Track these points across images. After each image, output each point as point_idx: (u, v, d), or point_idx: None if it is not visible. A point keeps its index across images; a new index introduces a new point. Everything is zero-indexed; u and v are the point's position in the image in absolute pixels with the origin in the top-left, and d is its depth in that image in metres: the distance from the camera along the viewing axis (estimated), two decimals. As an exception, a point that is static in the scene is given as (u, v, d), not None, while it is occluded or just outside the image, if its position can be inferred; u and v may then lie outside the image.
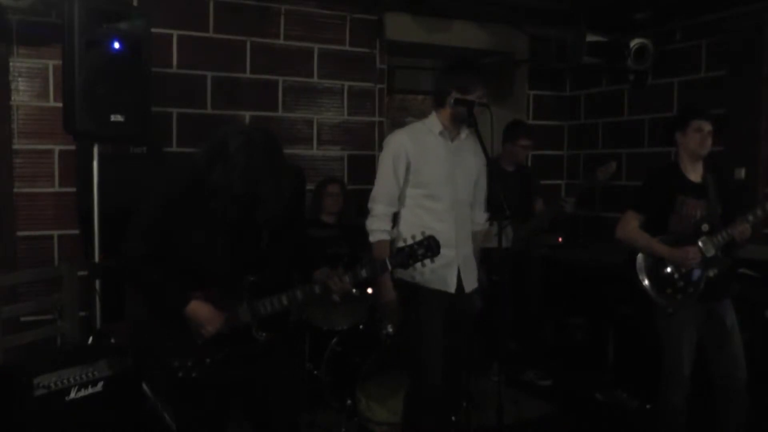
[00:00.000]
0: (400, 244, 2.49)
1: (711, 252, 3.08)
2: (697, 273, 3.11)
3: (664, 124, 4.95)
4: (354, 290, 3.88)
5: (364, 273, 2.38)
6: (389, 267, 2.43)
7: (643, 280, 3.18)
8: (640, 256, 3.21)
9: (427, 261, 2.80)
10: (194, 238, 2.28)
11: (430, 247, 2.44)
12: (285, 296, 2.33)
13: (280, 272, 2.38)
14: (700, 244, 3.09)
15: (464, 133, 3.02)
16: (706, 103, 4.62)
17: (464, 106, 2.83)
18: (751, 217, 3.05)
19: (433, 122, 2.98)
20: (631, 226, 3.20)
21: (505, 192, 2.96)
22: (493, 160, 4.59)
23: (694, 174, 3.21)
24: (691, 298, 3.11)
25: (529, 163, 5.43)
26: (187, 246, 2.28)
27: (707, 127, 3.14)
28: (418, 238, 2.45)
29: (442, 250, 2.84)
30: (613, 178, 4.46)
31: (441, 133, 2.96)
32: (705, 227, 3.11)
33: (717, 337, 3.15)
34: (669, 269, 3.13)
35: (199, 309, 2.27)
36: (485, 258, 3.21)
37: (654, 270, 3.17)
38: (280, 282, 2.37)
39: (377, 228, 2.94)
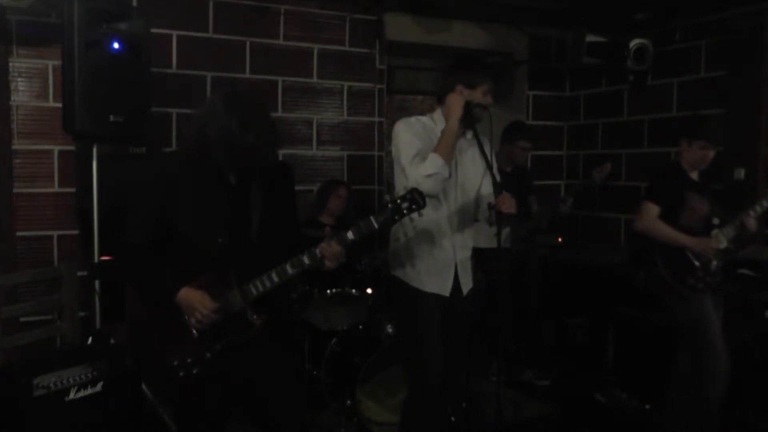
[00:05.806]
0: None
1: (723, 244, 3.21)
2: (715, 264, 3.20)
3: (676, 123, 4.94)
4: (353, 291, 3.89)
5: (350, 235, 2.33)
6: (375, 225, 2.33)
7: (663, 269, 3.22)
8: (658, 247, 3.24)
9: (424, 260, 2.81)
10: (191, 216, 2.29)
11: (414, 199, 2.32)
12: (274, 273, 2.30)
13: (270, 258, 2.33)
14: (713, 236, 3.19)
15: (470, 133, 2.84)
16: (705, 103, 4.65)
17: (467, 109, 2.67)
18: (758, 208, 3.16)
19: (438, 118, 2.84)
20: (651, 216, 3.23)
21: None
22: None
23: (693, 174, 3.34)
24: (710, 287, 3.21)
25: (529, 165, 5.43)
26: (184, 226, 2.29)
27: (712, 152, 3.24)
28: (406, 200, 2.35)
29: (440, 253, 2.83)
30: (611, 178, 4.47)
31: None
32: (716, 220, 3.22)
33: None
34: (692, 260, 3.19)
35: (190, 294, 2.26)
36: (484, 258, 3.19)
37: (674, 260, 3.22)
38: (270, 266, 2.33)
39: (425, 173, 2.60)
